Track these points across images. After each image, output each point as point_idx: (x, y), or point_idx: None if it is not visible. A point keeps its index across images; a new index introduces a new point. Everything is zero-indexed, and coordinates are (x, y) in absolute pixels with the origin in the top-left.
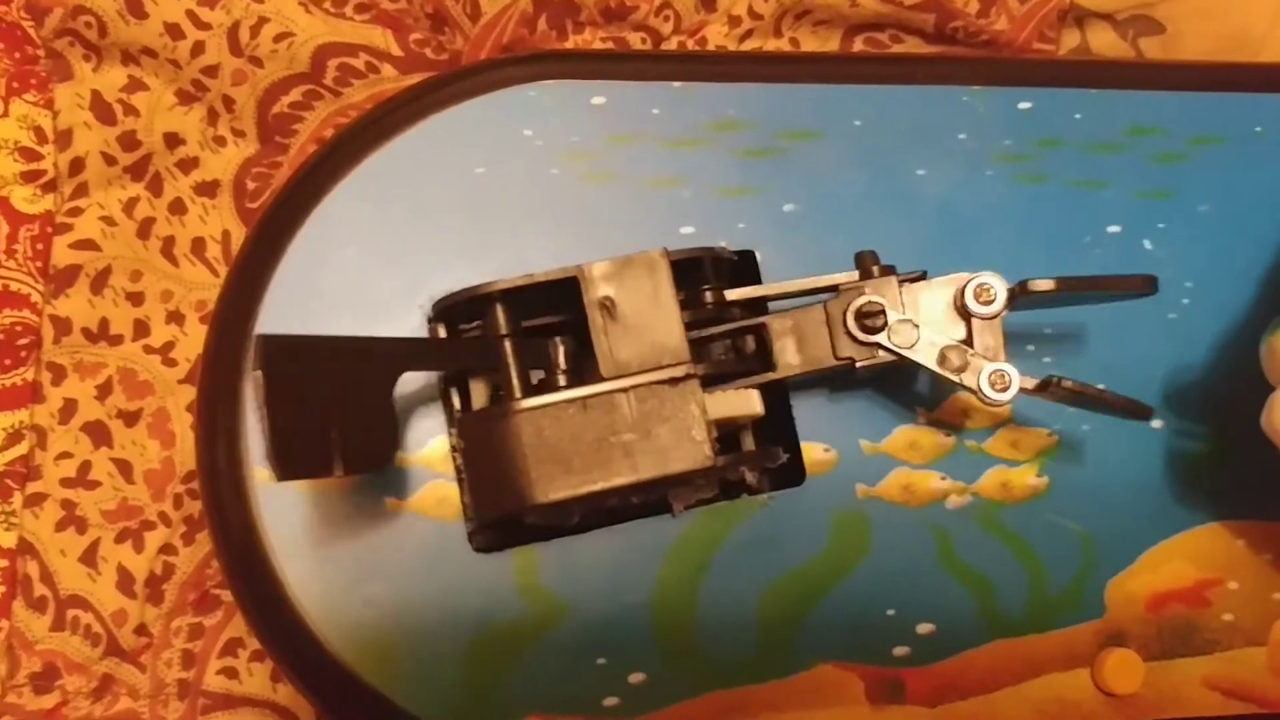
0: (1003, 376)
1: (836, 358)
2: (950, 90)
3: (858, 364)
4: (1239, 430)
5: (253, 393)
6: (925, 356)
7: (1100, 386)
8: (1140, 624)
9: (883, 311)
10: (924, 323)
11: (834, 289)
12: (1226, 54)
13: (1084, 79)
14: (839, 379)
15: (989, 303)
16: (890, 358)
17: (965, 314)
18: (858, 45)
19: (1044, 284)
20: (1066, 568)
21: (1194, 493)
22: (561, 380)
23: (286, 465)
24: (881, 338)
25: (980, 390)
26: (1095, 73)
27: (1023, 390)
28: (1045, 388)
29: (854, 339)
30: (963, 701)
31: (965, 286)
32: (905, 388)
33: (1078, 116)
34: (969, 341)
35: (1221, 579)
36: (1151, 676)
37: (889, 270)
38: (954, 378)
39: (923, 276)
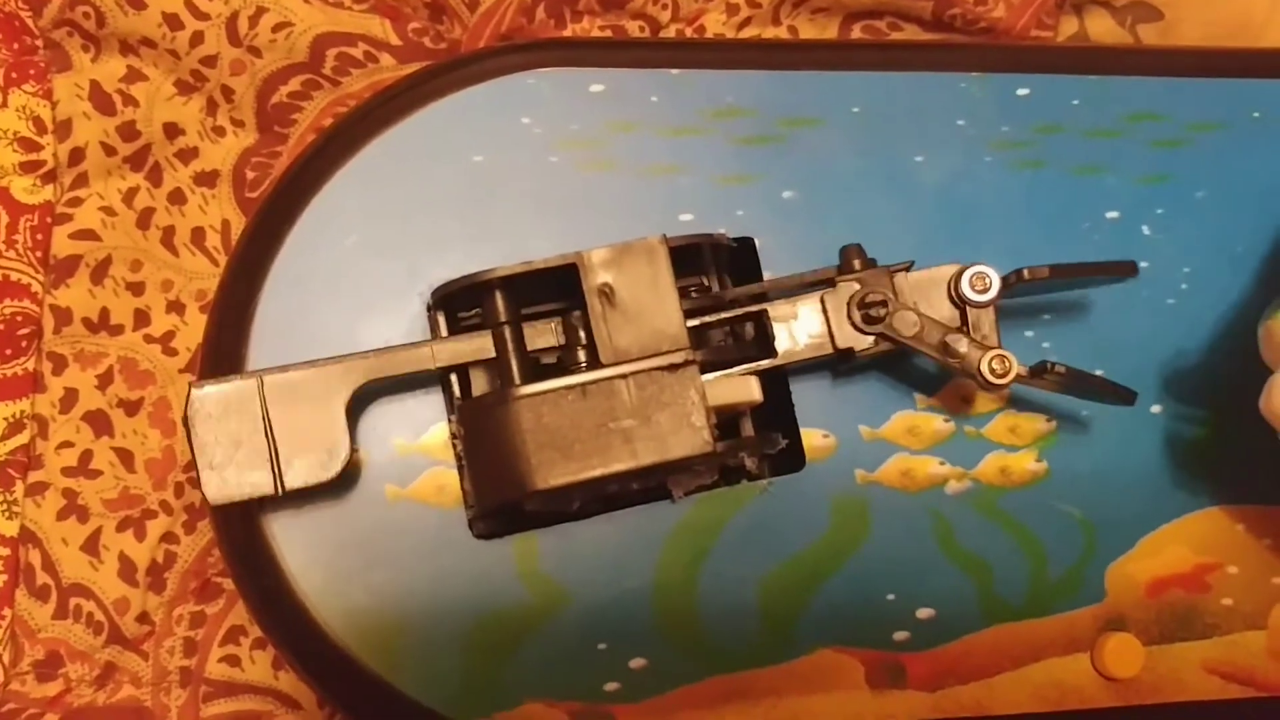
0: (1003, 361)
1: (836, 347)
2: (948, 77)
3: (858, 352)
4: (1238, 414)
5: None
6: (928, 344)
7: (1099, 372)
8: (1140, 608)
9: (885, 301)
10: (922, 311)
11: (830, 282)
12: (1225, 40)
13: (1082, 65)
14: (838, 366)
15: (984, 290)
16: (890, 346)
17: (960, 302)
18: (856, 33)
19: (1040, 271)
20: (1066, 552)
21: (1193, 477)
22: (561, 367)
23: (214, 495)
24: (883, 327)
25: (982, 375)
26: (1093, 59)
27: (1018, 377)
28: (1040, 374)
29: (856, 328)
30: (963, 686)
31: (961, 275)
32: (904, 374)
33: (1076, 103)
34: (963, 329)
35: (1221, 563)
36: (1151, 661)
37: (871, 264)
38: (955, 364)
39: (909, 267)
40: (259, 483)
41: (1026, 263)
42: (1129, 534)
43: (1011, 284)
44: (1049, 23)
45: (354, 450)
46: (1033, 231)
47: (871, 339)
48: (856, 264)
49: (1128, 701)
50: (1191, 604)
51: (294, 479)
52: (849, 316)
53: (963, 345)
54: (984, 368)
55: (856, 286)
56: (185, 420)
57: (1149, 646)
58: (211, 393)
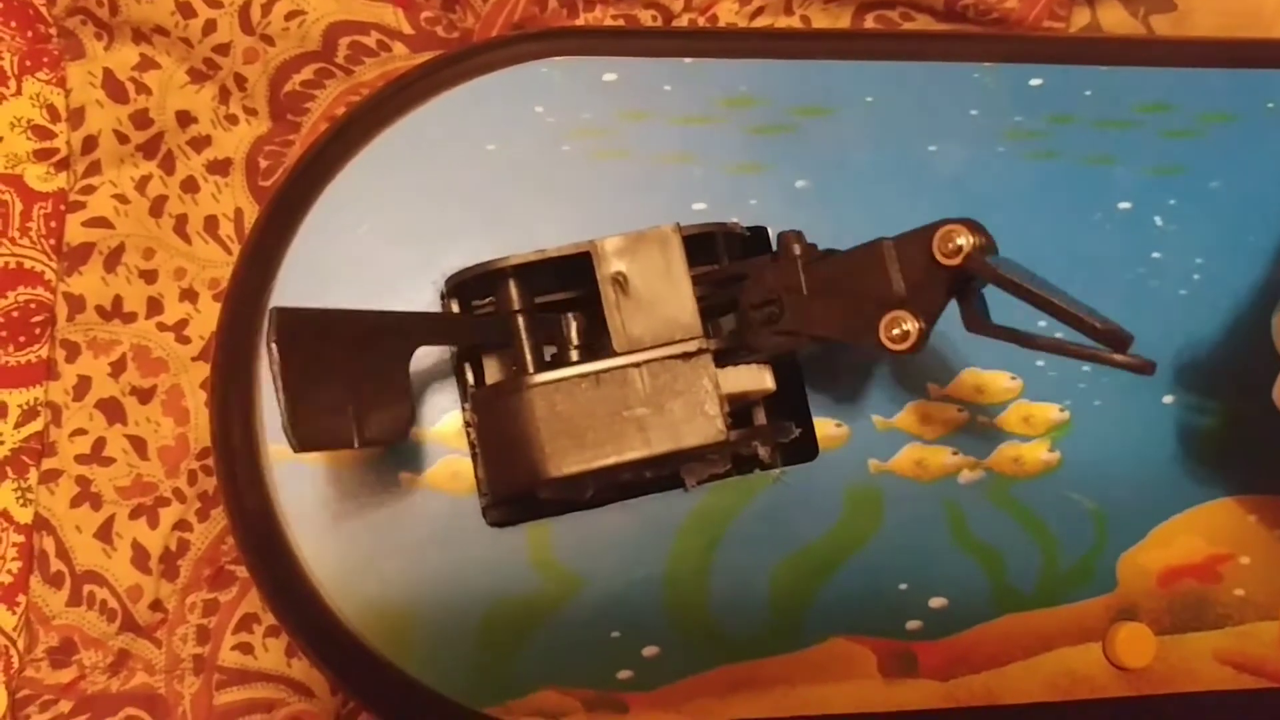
0: (898, 323)
1: (748, 348)
2: (961, 67)
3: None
4: (1250, 405)
5: (268, 365)
6: (826, 334)
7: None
8: (1152, 598)
9: (774, 300)
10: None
11: (742, 277)
12: (1237, 30)
13: (1095, 56)
14: (851, 354)
15: (951, 255)
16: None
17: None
18: (869, 22)
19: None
20: (1078, 542)
21: (1205, 467)
22: (574, 355)
23: (303, 436)
24: (781, 325)
25: (880, 344)
26: (1106, 49)
27: (1007, 339)
28: (1027, 340)
29: (758, 330)
30: (974, 675)
31: (934, 234)
32: (917, 363)
33: (1088, 93)
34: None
35: (1234, 554)
36: (1163, 651)
37: (810, 249)
38: (855, 339)
39: (830, 252)
40: (339, 431)
41: (1037, 253)
42: (1141, 524)
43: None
44: (1061, 13)
45: (415, 414)
46: (1045, 222)
47: (777, 339)
48: (796, 249)
49: (1139, 691)
50: (1204, 594)
51: (371, 432)
52: (750, 319)
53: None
54: (882, 337)
55: (768, 279)
56: (272, 345)
57: (1161, 636)
58: (299, 315)
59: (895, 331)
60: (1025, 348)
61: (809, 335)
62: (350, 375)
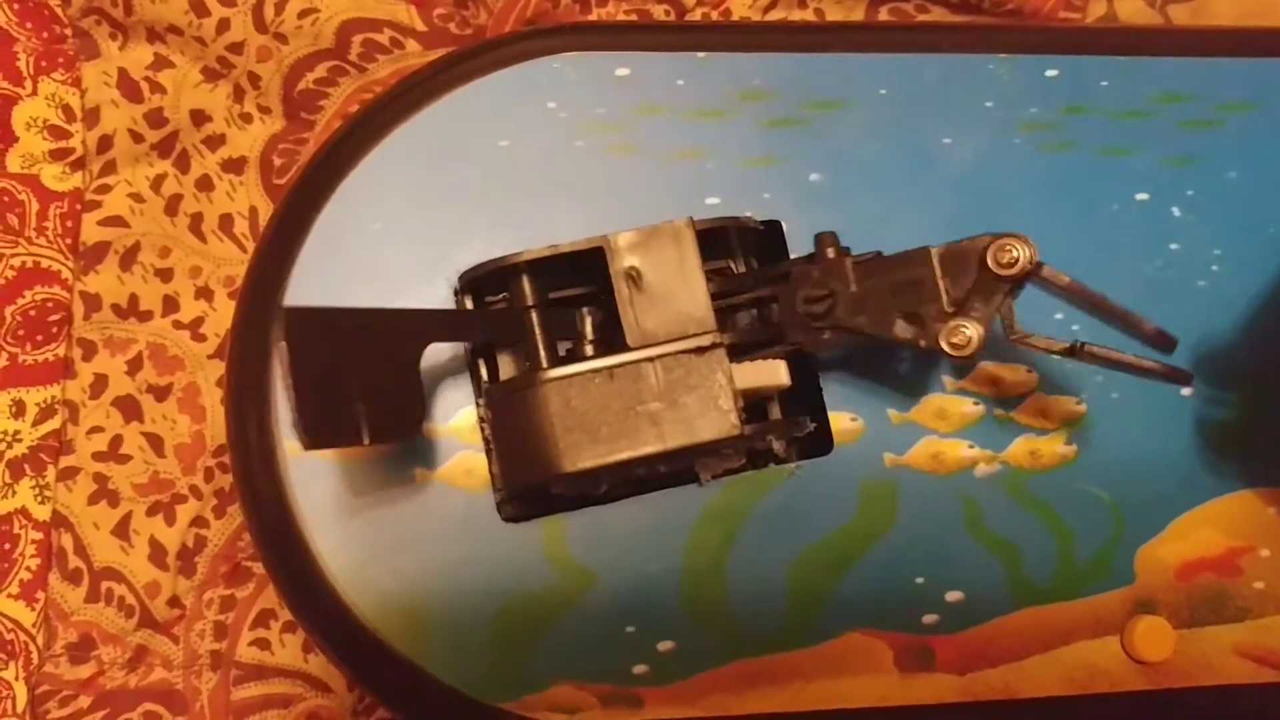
0: (959, 331)
1: (788, 343)
2: (976, 59)
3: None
4: (1269, 397)
5: (278, 363)
6: (880, 332)
7: (1131, 356)
8: (1170, 592)
9: (828, 295)
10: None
11: (786, 275)
12: (1256, 19)
13: (1111, 46)
14: (865, 349)
15: (1010, 265)
16: (851, 338)
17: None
18: (883, 15)
19: (1060, 278)
20: (1096, 535)
21: (1224, 460)
22: (588, 350)
23: (312, 433)
24: (830, 320)
25: (941, 349)
26: (1122, 40)
27: (1050, 351)
28: (1073, 353)
29: (803, 324)
30: (992, 669)
31: (989, 247)
32: (933, 357)
33: (1105, 84)
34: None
35: (1253, 546)
36: (1182, 644)
37: (845, 253)
38: (920, 343)
39: (878, 255)
40: (348, 429)
41: (1055, 245)
42: (1159, 517)
43: (1030, 274)
44: (1078, 4)
45: (426, 411)
46: (1061, 214)
47: (825, 334)
48: (830, 253)
49: (1158, 685)
50: (1223, 587)
51: (380, 430)
52: (798, 312)
53: (920, 322)
54: (943, 342)
55: (816, 276)
56: (282, 344)
57: (1180, 630)
58: (308, 314)
59: (957, 339)
60: (1066, 357)
61: (863, 333)
62: (361, 373)
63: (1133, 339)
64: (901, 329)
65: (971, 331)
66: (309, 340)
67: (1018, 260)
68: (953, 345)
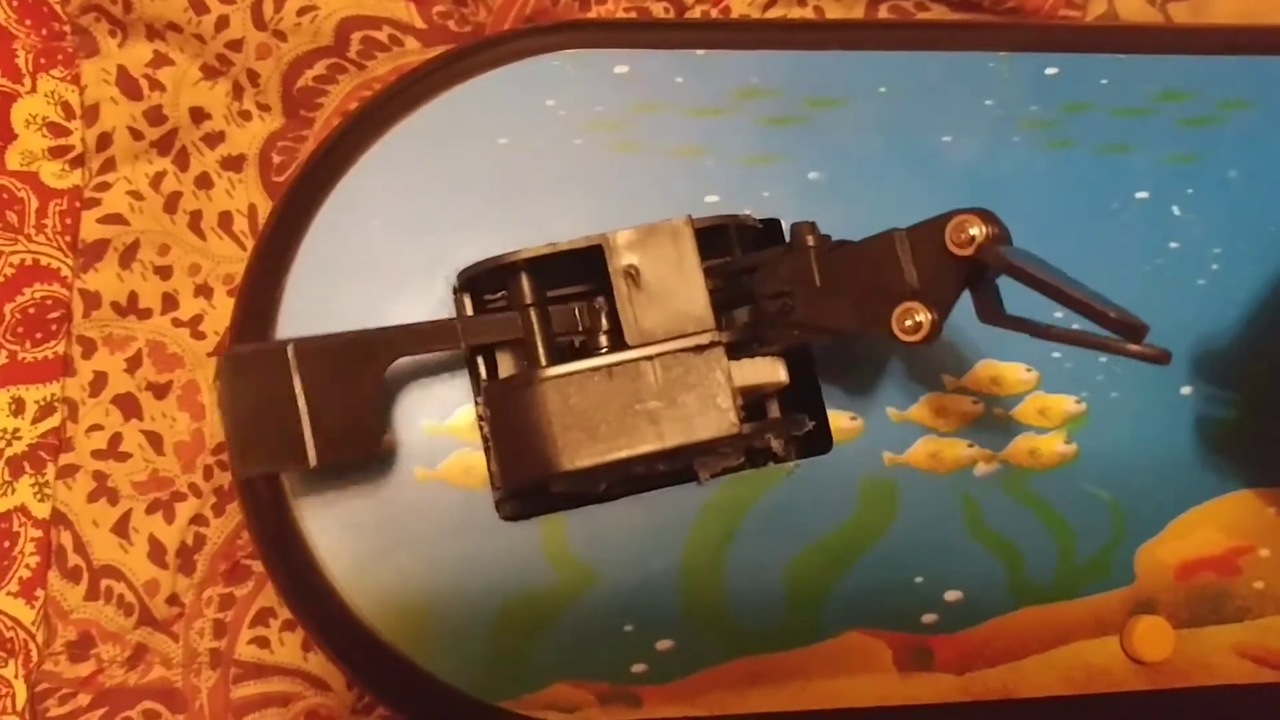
0: (910, 314)
1: (762, 341)
2: (976, 56)
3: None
4: (1269, 396)
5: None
6: (838, 327)
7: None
8: (1170, 591)
9: (786, 292)
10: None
11: (753, 270)
12: (1256, 17)
13: (1111, 44)
14: (865, 346)
15: (963, 245)
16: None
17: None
18: (882, 12)
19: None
20: (1095, 535)
21: (1224, 459)
22: (587, 348)
23: (244, 461)
24: (793, 318)
25: (891, 331)
26: (1122, 38)
27: (1019, 330)
28: (1042, 334)
29: (770, 322)
30: (991, 668)
31: (946, 224)
32: (932, 355)
33: (1104, 82)
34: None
35: (1253, 546)
36: (1182, 644)
37: (824, 240)
38: (869, 329)
39: (844, 243)
40: (292, 454)
41: (1053, 243)
42: (1159, 516)
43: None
44: (1078, 1)
45: (388, 431)
46: (1061, 212)
47: (791, 333)
48: (809, 240)
49: (1157, 685)
50: (1222, 587)
51: (327, 453)
52: (764, 312)
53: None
54: (895, 328)
55: (781, 272)
56: (218, 384)
57: (1179, 630)
58: (245, 355)
59: (908, 323)
60: (1039, 339)
61: (822, 328)
62: (314, 398)
63: (1104, 329)
64: (859, 321)
65: (923, 317)
66: (242, 380)
67: (974, 239)
68: (904, 330)
